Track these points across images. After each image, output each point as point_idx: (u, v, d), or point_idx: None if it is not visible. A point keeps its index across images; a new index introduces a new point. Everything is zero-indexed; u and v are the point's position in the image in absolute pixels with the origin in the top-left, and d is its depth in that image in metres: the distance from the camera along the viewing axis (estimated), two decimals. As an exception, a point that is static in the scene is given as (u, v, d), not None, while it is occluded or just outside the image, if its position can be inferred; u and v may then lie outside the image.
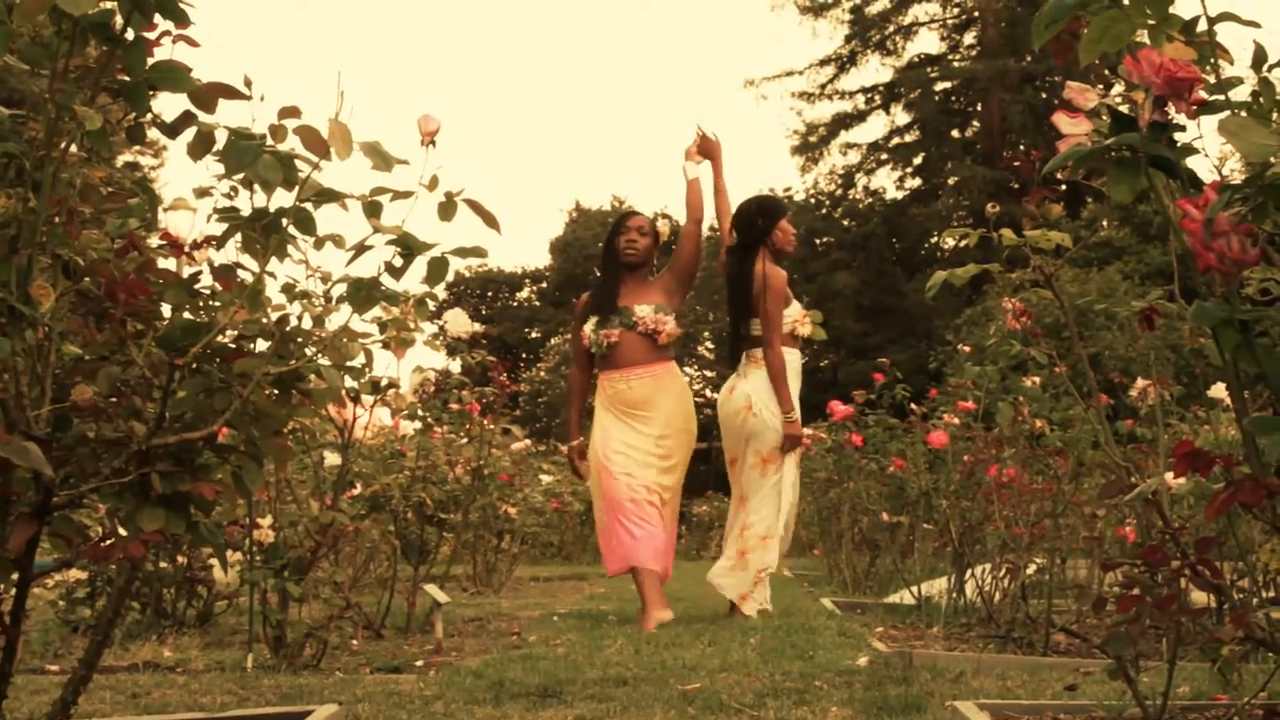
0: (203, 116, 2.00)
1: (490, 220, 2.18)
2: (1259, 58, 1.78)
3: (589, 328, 5.88)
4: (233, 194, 2.15)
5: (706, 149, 6.18)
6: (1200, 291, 1.85)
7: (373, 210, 2.10)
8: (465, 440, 6.31)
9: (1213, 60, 1.80)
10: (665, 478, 5.80)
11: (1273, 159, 1.63)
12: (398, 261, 2.15)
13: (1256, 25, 1.80)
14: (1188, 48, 1.80)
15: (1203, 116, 1.80)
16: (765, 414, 5.85)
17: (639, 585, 5.64)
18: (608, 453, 5.80)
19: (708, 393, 31.61)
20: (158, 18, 1.90)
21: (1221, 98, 1.78)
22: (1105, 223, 20.96)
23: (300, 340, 2.18)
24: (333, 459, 4.86)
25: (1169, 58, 1.78)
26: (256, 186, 2.04)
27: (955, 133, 35.71)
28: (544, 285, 42.92)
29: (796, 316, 6.03)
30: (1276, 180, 1.63)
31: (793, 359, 6.00)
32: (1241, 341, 1.77)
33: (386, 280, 2.17)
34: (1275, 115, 1.72)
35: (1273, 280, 1.92)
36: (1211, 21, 1.79)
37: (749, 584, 5.83)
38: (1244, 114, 1.73)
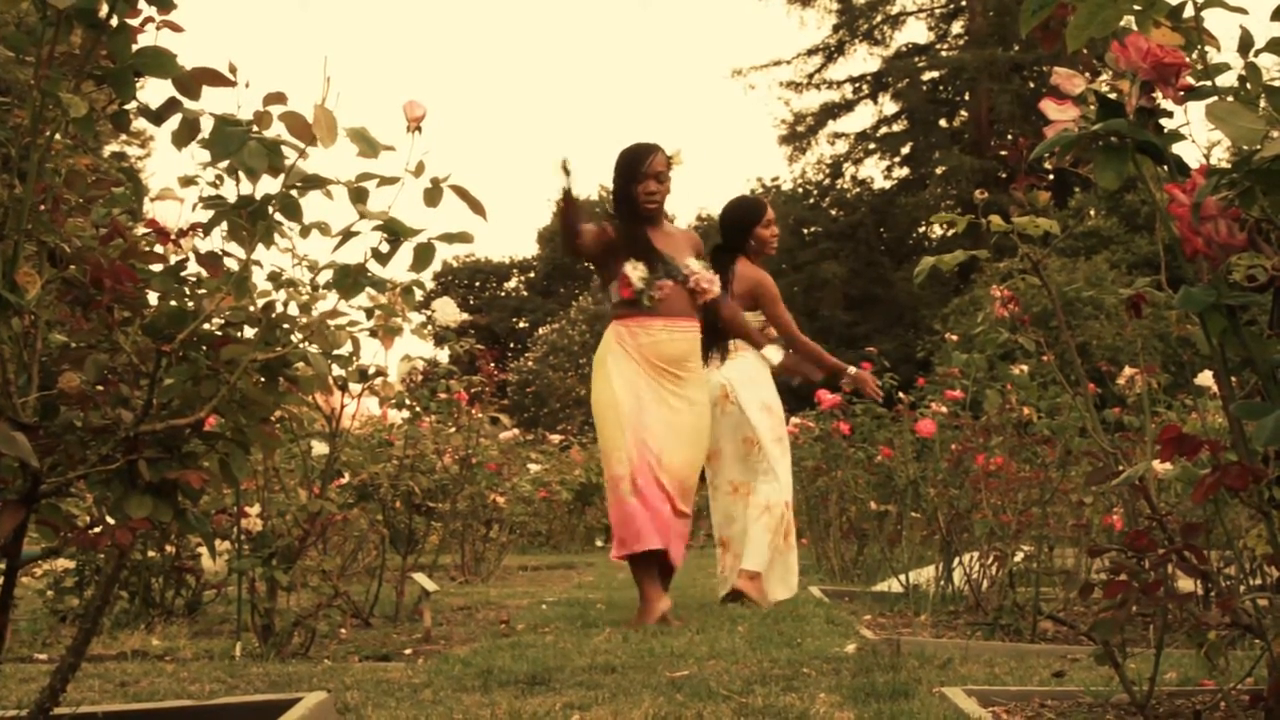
0: (187, 103, 1.98)
1: (476, 206, 2.17)
2: (1245, 43, 1.78)
3: (637, 275, 5.14)
4: (218, 182, 2.14)
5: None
6: (1188, 280, 1.85)
7: (359, 196, 2.10)
8: (453, 429, 6.30)
9: (1200, 46, 1.80)
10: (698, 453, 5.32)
11: (1260, 144, 1.64)
12: (384, 247, 2.15)
13: (1243, 11, 1.80)
14: (1174, 33, 1.80)
15: (1190, 102, 1.81)
16: (743, 401, 5.85)
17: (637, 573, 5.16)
18: (644, 421, 5.16)
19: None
20: (142, 3, 1.89)
21: (1208, 83, 1.79)
22: (1092, 211, 21.01)
23: (287, 327, 2.18)
24: (320, 448, 4.85)
25: (1156, 43, 1.78)
26: (242, 174, 2.03)
27: (943, 122, 35.79)
28: (532, 275, 42.90)
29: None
30: (1264, 165, 1.64)
31: (776, 355, 6.03)
32: (1228, 327, 1.78)
33: (373, 266, 2.16)
34: (1262, 100, 1.72)
35: (1259, 266, 1.92)
36: (1198, 7, 1.79)
37: (788, 572, 5.79)
38: (1231, 99, 1.74)
